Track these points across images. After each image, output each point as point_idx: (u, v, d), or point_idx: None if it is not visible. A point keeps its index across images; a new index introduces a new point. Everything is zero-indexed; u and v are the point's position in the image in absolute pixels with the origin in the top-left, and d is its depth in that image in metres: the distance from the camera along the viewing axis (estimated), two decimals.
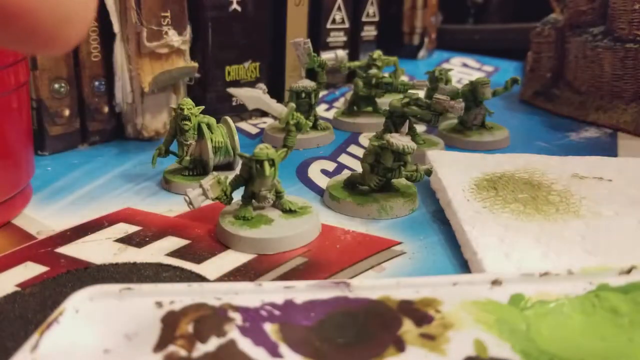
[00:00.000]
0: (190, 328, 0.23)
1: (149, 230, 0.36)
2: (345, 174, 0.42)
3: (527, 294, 0.25)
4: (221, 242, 0.34)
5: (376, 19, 0.75)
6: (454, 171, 0.40)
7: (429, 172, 0.38)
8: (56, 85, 0.47)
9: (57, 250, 0.33)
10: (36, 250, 0.33)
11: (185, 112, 0.41)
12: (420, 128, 0.54)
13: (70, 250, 0.33)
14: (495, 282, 0.25)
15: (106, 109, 0.50)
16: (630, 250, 0.30)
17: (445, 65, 0.81)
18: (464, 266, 0.31)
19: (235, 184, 0.35)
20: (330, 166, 0.46)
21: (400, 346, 0.23)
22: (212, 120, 0.43)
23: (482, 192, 0.36)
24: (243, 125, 0.57)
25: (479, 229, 0.32)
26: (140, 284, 0.25)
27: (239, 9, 0.54)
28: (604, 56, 0.56)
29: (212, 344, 0.22)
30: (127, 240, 0.35)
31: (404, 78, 0.68)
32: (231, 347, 0.22)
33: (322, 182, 0.43)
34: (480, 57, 0.89)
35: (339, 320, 0.24)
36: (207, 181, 0.34)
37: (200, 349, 0.22)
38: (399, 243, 0.34)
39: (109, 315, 0.24)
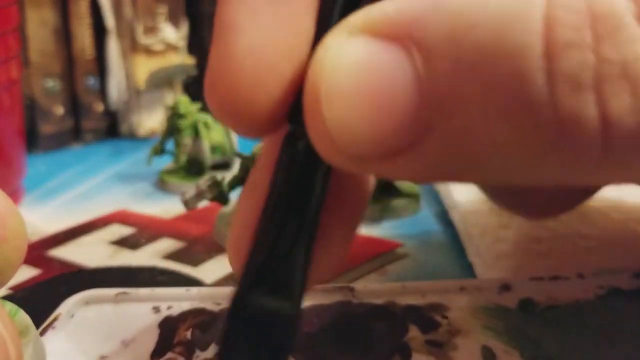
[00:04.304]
0: (188, 334, 0.22)
1: (144, 232, 0.35)
2: None
3: (537, 298, 0.24)
4: (218, 245, 0.33)
5: None
6: None
7: None
8: (49, 83, 0.46)
9: (50, 253, 0.33)
10: (28, 252, 0.32)
11: (182, 110, 0.41)
12: None
13: (63, 252, 0.33)
14: (504, 287, 0.25)
15: (100, 107, 0.49)
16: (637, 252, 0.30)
17: None
18: (469, 269, 0.31)
19: (233, 184, 0.35)
20: None
21: (405, 353, 0.22)
22: (209, 119, 0.42)
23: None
24: None
25: (483, 231, 0.32)
26: (137, 288, 0.25)
27: None
28: None
29: (212, 351, 0.22)
30: (121, 242, 0.34)
31: None
32: None
33: None
34: None
35: (343, 326, 0.23)
36: (204, 181, 0.34)
37: (200, 356, 0.21)
38: (402, 245, 0.34)
39: (105, 320, 0.23)
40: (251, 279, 0.16)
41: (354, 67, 0.13)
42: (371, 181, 0.20)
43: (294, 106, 0.16)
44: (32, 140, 0.46)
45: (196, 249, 0.33)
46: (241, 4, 0.15)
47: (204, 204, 0.34)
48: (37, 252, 0.33)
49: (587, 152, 0.13)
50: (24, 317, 0.19)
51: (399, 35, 0.13)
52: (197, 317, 0.23)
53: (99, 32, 0.47)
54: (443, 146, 0.13)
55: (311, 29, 0.16)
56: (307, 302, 0.24)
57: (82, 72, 0.48)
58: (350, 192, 0.19)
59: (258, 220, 0.17)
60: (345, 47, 0.14)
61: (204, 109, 0.42)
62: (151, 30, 0.47)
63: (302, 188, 0.16)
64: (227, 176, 0.36)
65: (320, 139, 0.14)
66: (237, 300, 0.16)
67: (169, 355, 0.22)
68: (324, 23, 0.16)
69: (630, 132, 0.12)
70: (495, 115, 0.13)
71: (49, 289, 0.29)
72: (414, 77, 0.13)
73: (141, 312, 0.24)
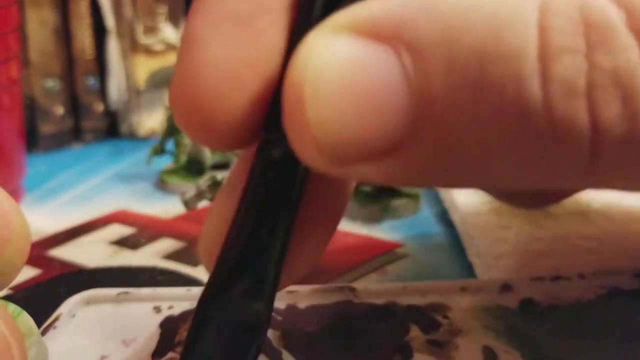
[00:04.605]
0: None
1: (144, 232, 0.35)
2: None
3: (538, 298, 0.24)
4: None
5: None
6: None
7: None
8: (49, 83, 0.46)
9: (50, 253, 0.33)
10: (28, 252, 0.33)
11: None
12: None
13: (63, 252, 0.33)
14: (505, 287, 0.25)
15: (100, 107, 0.49)
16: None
17: None
18: (469, 269, 0.31)
19: None
20: None
21: (406, 353, 0.22)
22: None
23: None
24: None
25: (484, 231, 0.32)
26: (138, 288, 0.25)
27: None
28: None
29: None
30: (121, 242, 0.34)
31: None
32: None
33: None
34: None
35: (344, 326, 0.23)
36: (204, 181, 0.34)
37: None
38: (402, 245, 0.34)
39: (106, 320, 0.23)
40: (220, 281, 0.16)
41: (340, 66, 0.13)
42: (351, 186, 0.20)
43: (269, 113, 0.16)
44: (32, 140, 0.46)
45: (196, 249, 0.33)
46: (205, 18, 0.15)
47: (204, 203, 0.34)
48: (37, 252, 0.33)
49: (576, 158, 0.13)
50: (26, 319, 0.19)
51: (386, 35, 0.13)
52: None
53: (99, 32, 0.47)
54: (431, 150, 0.13)
55: (281, 41, 0.16)
56: (308, 301, 0.24)
57: (82, 72, 0.48)
58: (329, 198, 0.19)
59: (231, 224, 0.17)
60: (330, 46, 0.13)
61: None
62: (151, 30, 0.47)
63: (276, 196, 0.16)
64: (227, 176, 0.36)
65: (302, 141, 0.14)
66: (205, 302, 0.16)
67: (170, 355, 0.21)
68: (301, 27, 0.15)
69: (617, 141, 0.12)
70: (488, 119, 0.13)
71: (49, 289, 0.29)
72: (402, 79, 0.13)
73: (142, 312, 0.24)
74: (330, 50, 0.13)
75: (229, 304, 0.16)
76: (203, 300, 0.17)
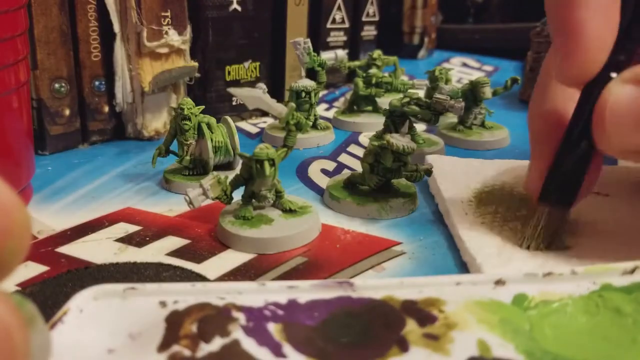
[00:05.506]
0: (194, 328, 0.23)
1: (149, 229, 0.36)
2: (345, 173, 0.42)
3: (531, 294, 0.25)
4: (221, 242, 0.34)
5: (376, 18, 0.75)
6: (453, 180, 0.39)
7: (429, 172, 0.38)
8: (56, 85, 0.47)
9: (58, 250, 0.33)
10: (36, 249, 0.33)
11: (186, 111, 0.41)
12: (420, 127, 0.54)
13: (70, 249, 0.33)
14: (499, 282, 0.25)
15: (106, 109, 0.50)
16: (629, 259, 0.30)
17: (445, 65, 0.80)
18: (464, 267, 0.31)
19: (235, 184, 0.35)
20: (330, 166, 0.46)
21: (403, 346, 0.22)
22: (212, 120, 0.42)
23: (481, 207, 0.36)
24: (243, 125, 0.57)
25: (476, 242, 0.32)
26: (144, 284, 0.25)
27: (239, 8, 0.54)
28: None
29: (216, 343, 0.22)
30: (127, 239, 0.34)
31: (404, 77, 0.69)
32: (235, 347, 0.22)
33: (322, 181, 0.43)
34: (480, 57, 0.89)
35: (343, 320, 0.24)
36: (207, 181, 0.34)
37: (205, 348, 0.22)
38: (399, 243, 0.34)
39: (113, 315, 0.24)
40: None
41: (626, 100, 0.26)
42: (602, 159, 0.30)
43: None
44: (41, 141, 0.47)
45: (200, 246, 0.34)
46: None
47: (207, 202, 0.35)
48: (46, 249, 0.33)
49: None
50: (30, 309, 0.20)
51: None
52: (202, 311, 0.24)
53: (106, 35, 0.48)
54: None
55: None
56: (308, 296, 0.25)
57: (89, 74, 0.48)
58: (596, 164, 0.30)
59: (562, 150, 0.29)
60: (621, 89, 0.26)
61: (207, 110, 0.43)
62: (156, 34, 0.48)
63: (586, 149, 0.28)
64: (230, 176, 0.36)
65: (601, 140, 0.27)
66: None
67: (175, 348, 0.22)
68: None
69: None
70: None
71: (57, 285, 0.30)
72: None
73: (148, 306, 0.24)
74: (621, 91, 0.26)
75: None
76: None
